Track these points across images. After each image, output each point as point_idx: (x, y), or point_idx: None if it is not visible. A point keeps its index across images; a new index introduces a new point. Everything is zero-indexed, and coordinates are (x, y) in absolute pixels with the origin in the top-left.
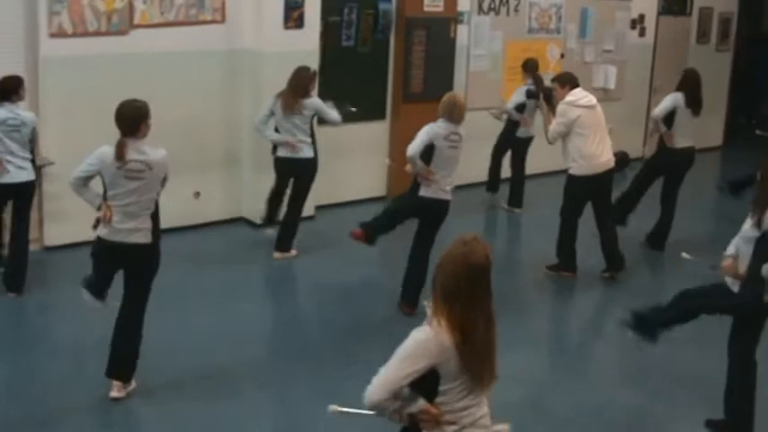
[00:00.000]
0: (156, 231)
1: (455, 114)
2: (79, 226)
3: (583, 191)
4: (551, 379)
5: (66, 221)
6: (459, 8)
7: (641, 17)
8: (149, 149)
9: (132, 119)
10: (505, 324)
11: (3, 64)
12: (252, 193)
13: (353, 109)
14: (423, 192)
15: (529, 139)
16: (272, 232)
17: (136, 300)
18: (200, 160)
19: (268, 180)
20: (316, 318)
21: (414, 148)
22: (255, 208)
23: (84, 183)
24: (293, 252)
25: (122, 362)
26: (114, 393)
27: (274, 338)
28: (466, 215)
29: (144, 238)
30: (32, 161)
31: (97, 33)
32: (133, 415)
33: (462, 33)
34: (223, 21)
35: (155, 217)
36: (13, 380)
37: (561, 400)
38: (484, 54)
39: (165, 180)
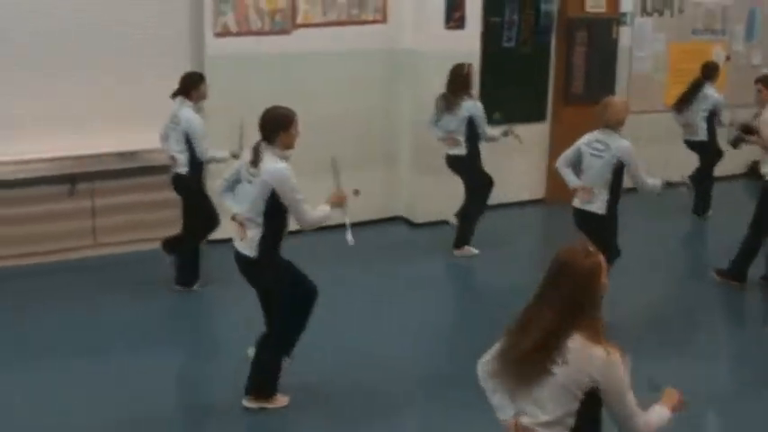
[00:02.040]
0: (265, 246)
1: (603, 119)
2: None
3: None
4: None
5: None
6: (622, 9)
7: None
8: (268, 160)
9: (270, 126)
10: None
11: (170, 63)
12: (410, 192)
13: (517, 135)
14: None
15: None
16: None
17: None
18: (360, 159)
19: (427, 179)
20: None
21: (561, 157)
22: (414, 207)
23: (226, 186)
24: (469, 249)
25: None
26: (245, 402)
27: (438, 339)
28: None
29: (248, 249)
30: (194, 156)
31: (260, 33)
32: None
33: (625, 35)
34: (384, 20)
35: (267, 228)
36: (167, 373)
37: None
38: (646, 56)
39: (274, 193)
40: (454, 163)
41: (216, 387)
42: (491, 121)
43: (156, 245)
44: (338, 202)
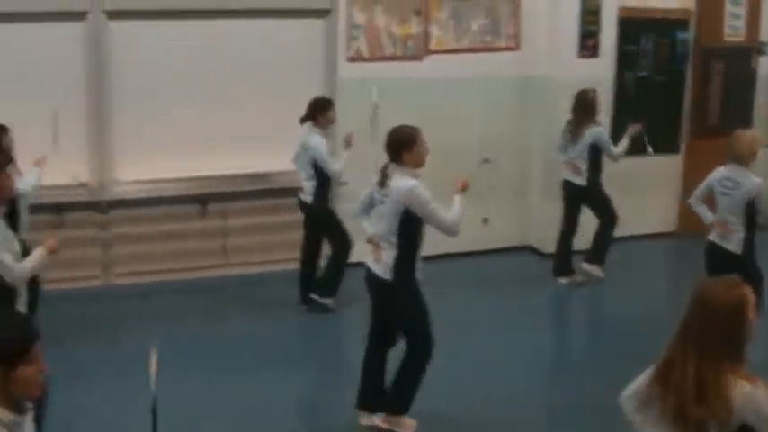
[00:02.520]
0: (399, 268)
1: (732, 153)
2: None
3: None
4: None
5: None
6: (762, 38)
7: None
8: (398, 178)
9: (394, 146)
10: None
11: (303, 86)
12: (540, 221)
13: (651, 150)
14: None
15: None
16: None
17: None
18: (490, 186)
19: (557, 209)
20: (614, 349)
21: (694, 193)
22: (544, 236)
23: (362, 209)
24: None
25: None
26: (376, 420)
27: (565, 368)
28: None
29: (382, 271)
30: (320, 184)
31: (392, 58)
32: None
33: (764, 64)
34: (517, 48)
35: (401, 248)
36: (292, 392)
37: None
38: None
39: (407, 211)
40: (572, 191)
41: (343, 408)
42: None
43: (286, 266)
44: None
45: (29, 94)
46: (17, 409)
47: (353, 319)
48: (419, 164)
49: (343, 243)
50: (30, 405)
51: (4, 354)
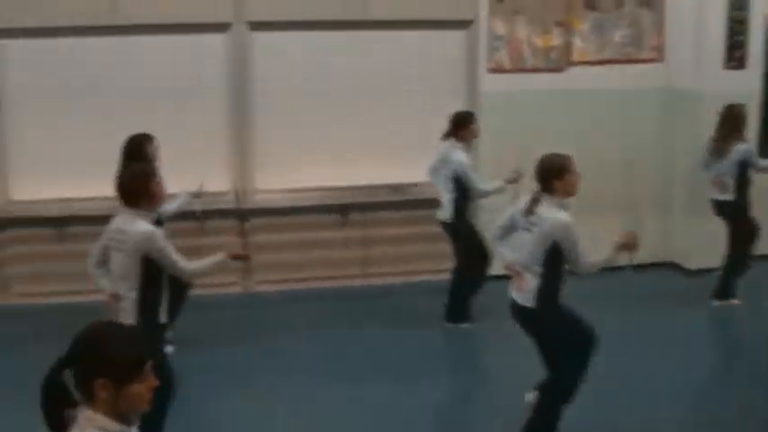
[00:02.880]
0: (543, 295)
1: None
2: None
3: None
4: None
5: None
6: None
7: None
8: (547, 209)
9: (544, 175)
10: None
11: (444, 98)
12: (685, 236)
13: None
14: None
15: None
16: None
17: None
18: (632, 201)
19: (703, 224)
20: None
21: None
22: (688, 252)
23: (500, 234)
24: (730, 302)
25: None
26: None
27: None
28: None
29: (525, 299)
30: (460, 199)
31: (534, 70)
32: None
33: None
34: (660, 59)
35: (545, 277)
36: (434, 405)
37: None
38: None
39: (555, 244)
40: (721, 209)
41: (480, 423)
42: None
43: (425, 277)
44: (629, 246)
45: (173, 105)
46: (125, 420)
47: (492, 333)
48: (570, 193)
49: (476, 262)
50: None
51: (116, 370)
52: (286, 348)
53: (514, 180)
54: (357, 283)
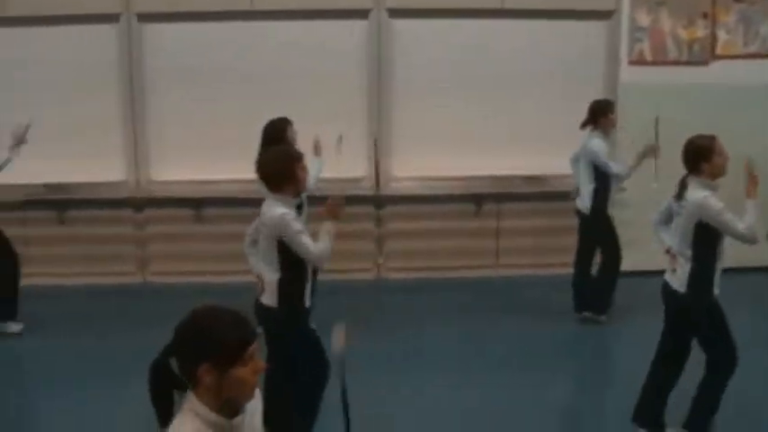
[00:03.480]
0: (695, 280)
1: None
2: (649, 255)
3: None
4: None
5: (636, 248)
6: None
7: None
8: (693, 190)
9: (690, 157)
10: None
11: (583, 89)
12: None
13: None
14: None
15: None
16: None
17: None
18: None
19: None
20: None
21: None
22: None
23: (660, 219)
24: None
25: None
26: None
27: None
28: None
29: (678, 284)
30: (599, 189)
31: (677, 62)
32: None
33: None
34: None
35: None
36: (560, 399)
37: None
38: None
39: (700, 223)
40: None
41: (606, 420)
42: None
43: (558, 270)
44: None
45: (310, 88)
46: (229, 411)
47: (623, 331)
48: (718, 174)
49: (615, 254)
50: (244, 407)
51: (219, 355)
52: (416, 336)
53: (647, 155)
54: (489, 273)
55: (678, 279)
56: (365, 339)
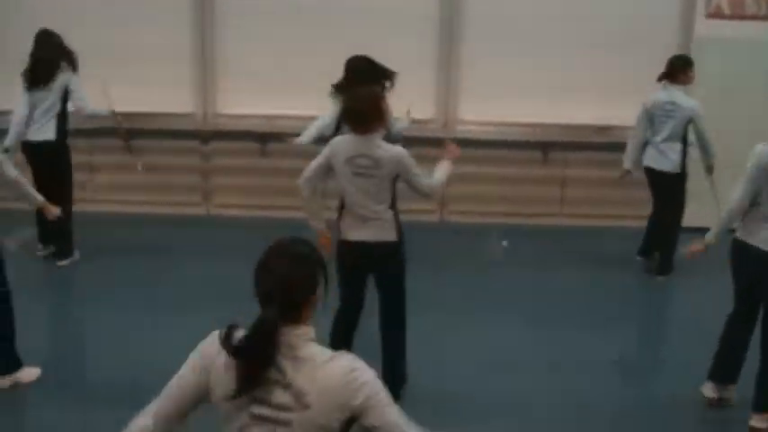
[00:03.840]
0: None
1: None
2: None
3: None
4: None
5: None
6: None
7: None
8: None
9: None
10: None
11: (656, 40)
12: None
13: None
14: None
15: None
16: None
17: None
18: None
19: None
20: None
21: None
22: None
23: None
24: None
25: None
26: (753, 422)
27: None
28: None
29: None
30: (684, 150)
31: (755, 17)
32: None
33: None
34: None
35: None
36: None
37: None
38: None
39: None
40: None
41: (665, 377)
42: None
43: (621, 222)
44: None
45: (383, 31)
46: None
47: (685, 283)
48: None
49: (680, 210)
50: None
51: (317, 285)
52: (477, 280)
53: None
54: (553, 222)
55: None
56: (426, 281)
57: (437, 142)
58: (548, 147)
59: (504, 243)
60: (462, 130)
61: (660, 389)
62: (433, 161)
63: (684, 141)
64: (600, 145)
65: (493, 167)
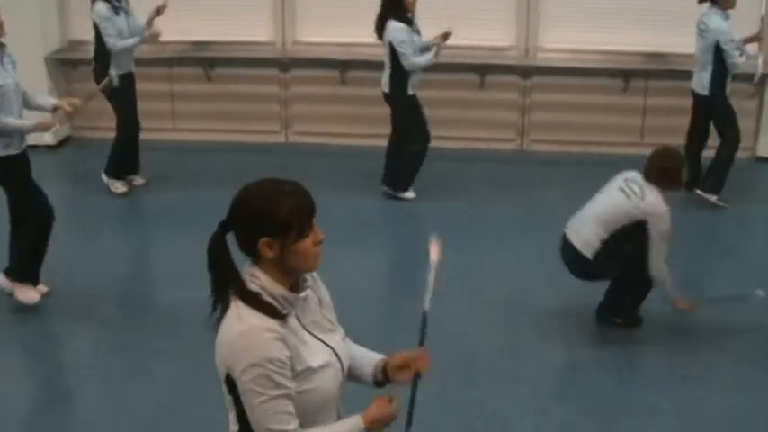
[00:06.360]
0: None
1: None
2: None
3: None
4: None
5: None
6: None
7: None
8: None
9: None
10: None
11: None
12: None
13: None
14: None
15: None
16: None
17: None
18: None
19: None
20: None
21: None
22: None
23: None
24: None
25: None
26: None
27: None
28: None
29: None
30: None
31: None
32: None
33: None
34: None
35: None
36: None
37: None
38: None
39: None
40: None
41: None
42: None
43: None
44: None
45: None
46: (294, 281)
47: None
48: None
49: (736, 136)
50: (307, 282)
51: (279, 227)
52: (554, 207)
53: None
54: (631, 151)
55: None
56: (506, 206)
57: (517, 69)
58: (628, 75)
59: (759, 292)
60: (542, 58)
61: None
62: (512, 88)
63: (716, 64)
64: (680, 73)
65: (572, 95)
